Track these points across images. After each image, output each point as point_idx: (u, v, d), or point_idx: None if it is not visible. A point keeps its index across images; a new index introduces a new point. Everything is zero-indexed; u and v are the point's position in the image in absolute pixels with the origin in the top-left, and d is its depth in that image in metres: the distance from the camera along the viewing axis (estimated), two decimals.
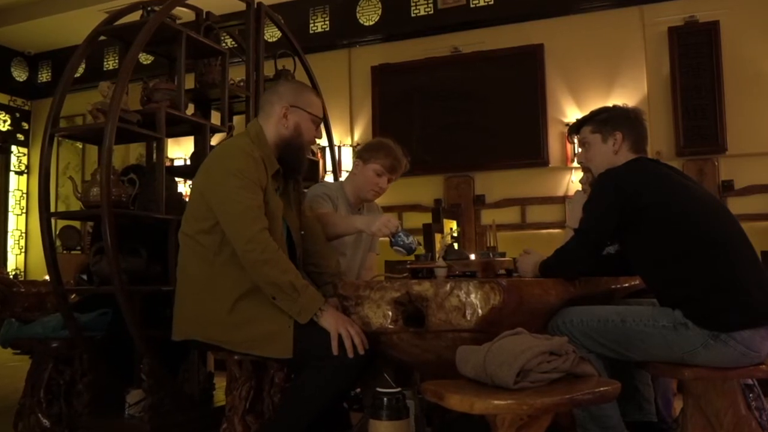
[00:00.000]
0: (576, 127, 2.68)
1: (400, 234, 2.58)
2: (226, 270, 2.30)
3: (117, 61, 7.57)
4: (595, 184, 2.49)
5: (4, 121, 8.19)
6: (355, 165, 3.22)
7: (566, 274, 2.38)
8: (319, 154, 5.53)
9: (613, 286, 2.67)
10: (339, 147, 6.14)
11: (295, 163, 2.55)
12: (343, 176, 5.57)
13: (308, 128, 2.53)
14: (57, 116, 3.12)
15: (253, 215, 2.25)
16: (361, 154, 3.21)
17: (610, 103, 2.78)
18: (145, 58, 6.34)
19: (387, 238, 2.62)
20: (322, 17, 6.82)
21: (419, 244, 2.66)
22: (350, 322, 2.20)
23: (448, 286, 2.06)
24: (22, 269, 8.16)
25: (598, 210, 2.36)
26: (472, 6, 6.24)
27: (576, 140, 3.09)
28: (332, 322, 2.19)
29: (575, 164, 5.65)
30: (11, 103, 8.27)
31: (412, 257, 2.66)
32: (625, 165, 2.45)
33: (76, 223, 5.73)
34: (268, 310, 2.26)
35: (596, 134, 2.56)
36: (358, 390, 3.04)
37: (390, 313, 2.14)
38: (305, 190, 3.05)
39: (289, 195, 2.62)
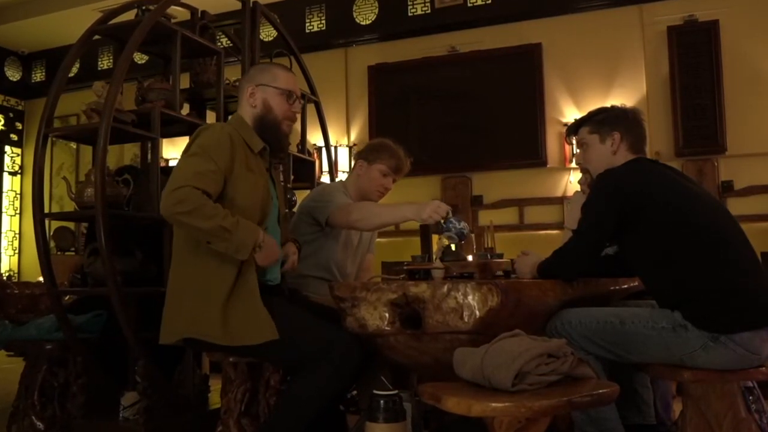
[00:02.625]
0: (574, 128, 2.66)
1: (452, 220, 2.49)
2: (213, 261, 2.29)
3: (111, 60, 7.56)
4: (594, 184, 2.47)
5: None
6: (358, 166, 3.18)
7: (564, 276, 2.37)
8: (316, 155, 5.51)
9: (611, 288, 2.66)
10: (335, 147, 6.12)
11: (274, 141, 2.53)
12: (340, 176, 5.58)
13: (278, 103, 2.51)
14: (51, 116, 3.11)
15: (185, 177, 2.23)
16: (365, 155, 3.18)
17: (608, 103, 2.76)
18: (140, 58, 6.31)
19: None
20: (318, 16, 6.79)
21: (471, 231, 2.55)
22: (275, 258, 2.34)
23: (445, 288, 2.05)
24: (16, 270, 8.11)
25: (597, 211, 2.34)
26: (469, 5, 6.22)
27: (574, 141, 3.07)
28: (264, 260, 2.29)
29: (573, 165, 5.63)
30: (4, 103, 8.22)
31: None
32: (624, 165, 2.43)
33: (70, 224, 5.73)
34: (250, 302, 2.25)
35: (594, 135, 2.54)
36: (355, 392, 3.03)
37: (387, 315, 2.13)
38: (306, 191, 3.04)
39: (274, 173, 2.65)
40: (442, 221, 2.51)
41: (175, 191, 2.18)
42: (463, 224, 2.50)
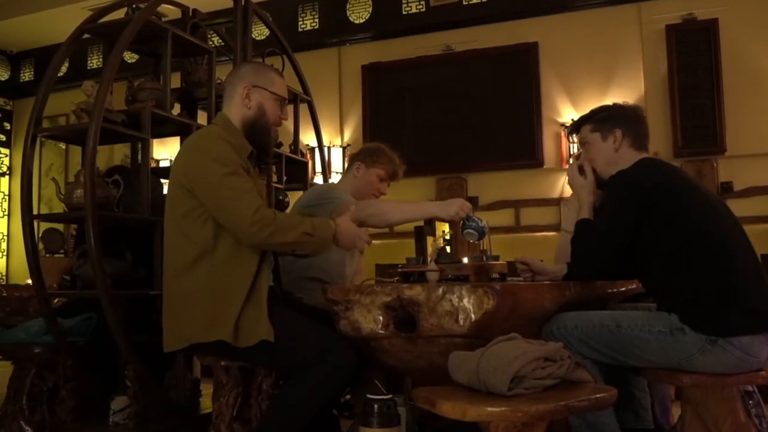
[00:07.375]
0: (575, 127, 2.68)
1: (473, 217, 2.61)
2: (231, 266, 2.25)
3: (101, 59, 7.50)
4: (609, 187, 2.47)
5: None
6: (356, 168, 3.19)
7: (591, 276, 2.39)
8: (309, 155, 5.48)
9: (608, 291, 2.64)
10: (329, 148, 6.09)
11: (263, 145, 2.50)
12: (333, 177, 5.55)
13: (272, 108, 2.48)
14: (40, 116, 3.09)
15: (248, 197, 2.23)
16: (363, 158, 3.19)
17: (606, 103, 2.76)
18: (130, 57, 6.25)
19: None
20: (311, 15, 6.76)
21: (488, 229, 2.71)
22: (359, 236, 2.39)
23: (440, 291, 2.03)
24: (4, 273, 8.03)
25: (616, 213, 2.32)
26: (464, 3, 6.19)
27: (576, 140, 3.08)
28: (346, 244, 2.37)
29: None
30: None
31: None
32: (636, 165, 2.43)
33: (60, 226, 5.69)
34: (260, 305, 2.23)
35: (595, 133, 2.56)
36: (348, 396, 3.01)
37: (381, 318, 2.12)
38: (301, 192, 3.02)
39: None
40: (465, 219, 2.61)
41: (253, 220, 2.18)
42: (483, 223, 2.62)
